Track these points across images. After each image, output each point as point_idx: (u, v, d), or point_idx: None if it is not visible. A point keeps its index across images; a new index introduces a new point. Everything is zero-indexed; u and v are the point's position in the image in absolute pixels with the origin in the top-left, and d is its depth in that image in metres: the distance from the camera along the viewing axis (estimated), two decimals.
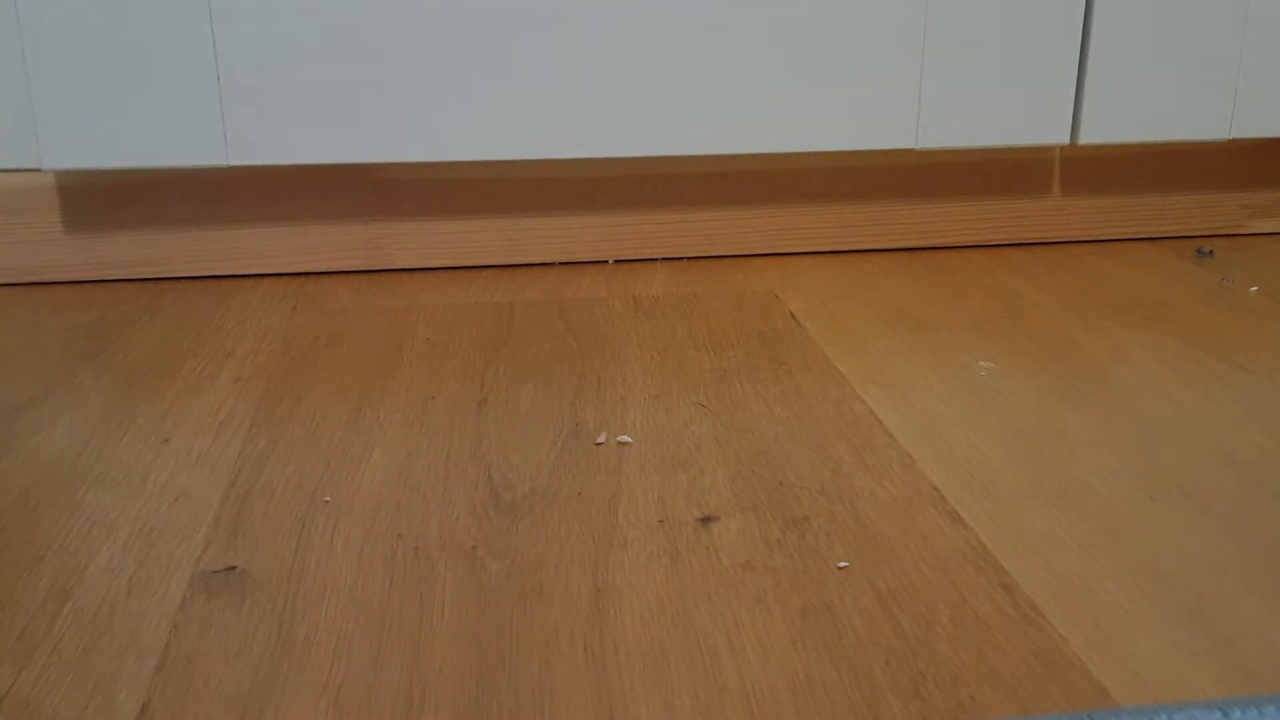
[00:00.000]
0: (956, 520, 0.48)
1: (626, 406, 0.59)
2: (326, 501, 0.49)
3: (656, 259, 0.84)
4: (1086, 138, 0.81)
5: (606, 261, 0.84)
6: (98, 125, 0.73)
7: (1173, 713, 0.35)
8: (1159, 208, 0.89)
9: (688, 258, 0.84)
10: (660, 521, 0.48)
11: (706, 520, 0.48)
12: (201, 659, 0.39)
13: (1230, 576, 0.43)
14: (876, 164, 0.84)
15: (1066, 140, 0.81)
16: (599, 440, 0.55)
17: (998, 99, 0.79)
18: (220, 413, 0.59)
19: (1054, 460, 0.53)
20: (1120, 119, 0.81)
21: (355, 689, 0.37)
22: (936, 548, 0.45)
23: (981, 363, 0.64)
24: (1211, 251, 0.86)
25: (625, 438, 0.55)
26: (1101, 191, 0.88)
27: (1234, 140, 0.87)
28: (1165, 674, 0.38)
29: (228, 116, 0.73)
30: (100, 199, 0.79)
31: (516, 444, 0.55)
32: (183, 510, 0.49)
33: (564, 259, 0.83)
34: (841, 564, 0.44)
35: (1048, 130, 0.80)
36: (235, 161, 0.74)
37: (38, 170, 0.75)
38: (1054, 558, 0.45)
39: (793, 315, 0.72)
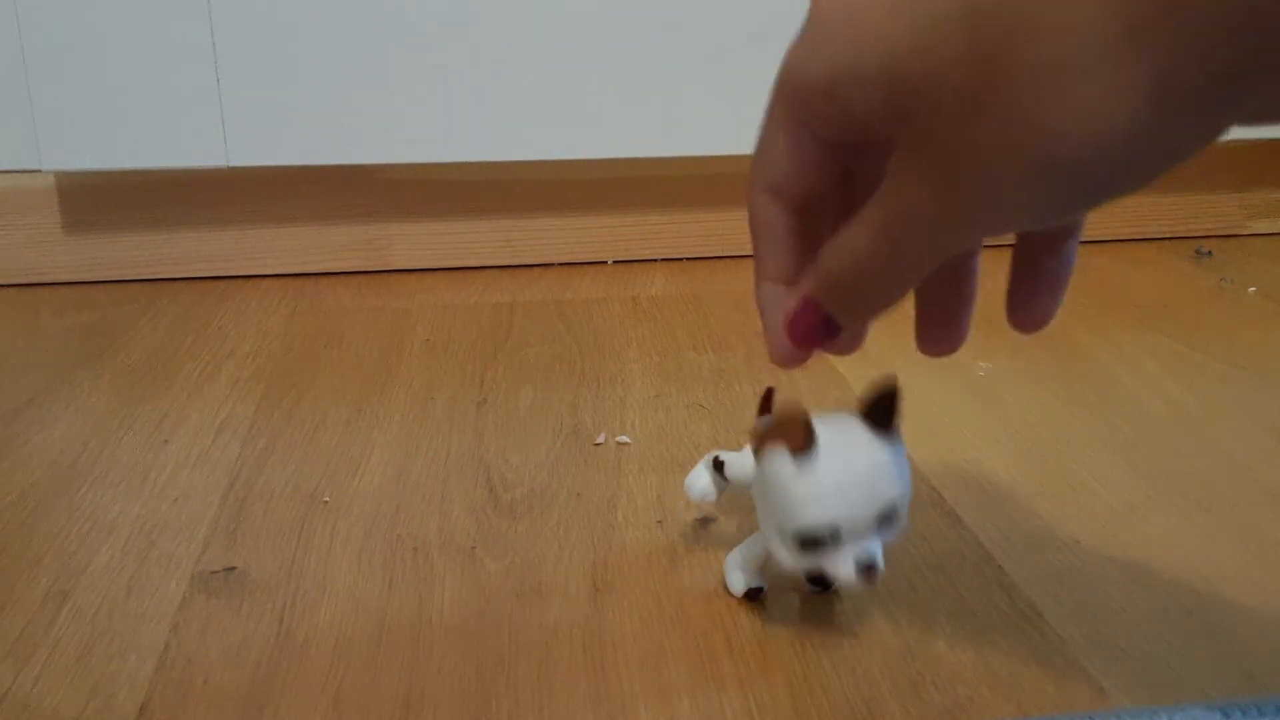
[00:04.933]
0: (955, 520, 0.48)
1: (626, 407, 0.59)
2: (326, 502, 0.49)
3: (656, 260, 0.84)
4: None
5: (606, 262, 0.84)
6: (97, 126, 0.73)
7: (1172, 713, 0.35)
8: (1158, 208, 0.89)
9: (687, 258, 0.85)
10: (659, 522, 0.48)
11: (705, 521, 0.48)
12: (201, 659, 0.39)
13: (1230, 576, 0.44)
14: None
15: None
16: (598, 441, 0.55)
17: None
18: (220, 413, 0.59)
19: (1053, 460, 0.53)
20: None
21: (354, 689, 0.37)
22: (935, 548, 0.45)
23: (980, 363, 0.64)
24: (1210, 252, 0.86)
25: (624, 438, 0.55)
26: None
27: (1233, 140, 0.87)
28: (1165, 674, 0.38)
29: (227, 117, 0.73)
30: (100, 199, 0.79)
31: (515, 444, 0.55)
32: (182, 510, 0.49)
33: (563, 259, 0.83)
34: None
35: None
36: (235, 162, 0.74)
37: (37, 171, 0.75)
38: (1053, 558, 0.45)
39: None
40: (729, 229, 0.84)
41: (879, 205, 0.32)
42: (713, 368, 0.64)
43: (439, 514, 0.48)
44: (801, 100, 0.33)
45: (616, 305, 0.75)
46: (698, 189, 0.83)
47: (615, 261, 0.84)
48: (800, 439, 0.36)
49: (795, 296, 0.36)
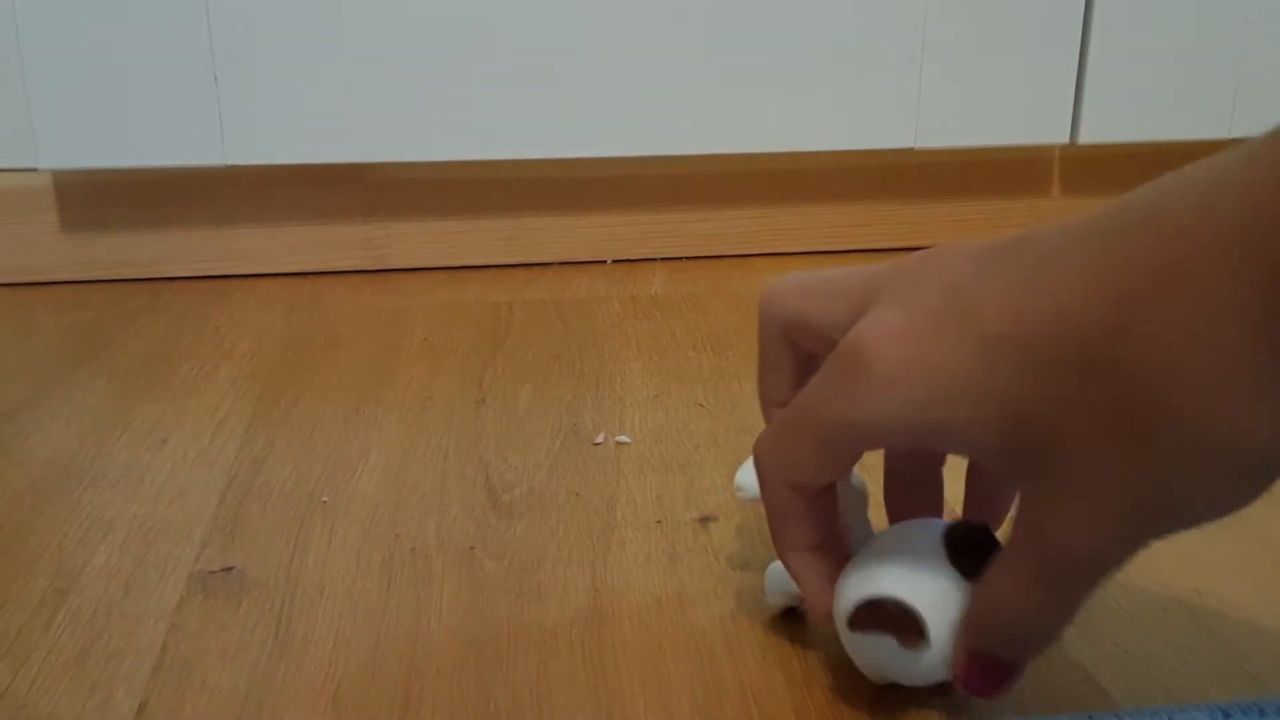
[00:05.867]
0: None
1: (625, 407, 0.59)
2: (324, 502, 0.49)
3: (655, 259, 0.84)
4: (1086, 137, 0.80)
5: (605, 261, 0.84)
6: (95, 125, 0.72)
7: (1173, 713, 0.35)
8: None
9: (687, 258, 0.84)
10: (658, 522, 0.47)
11: (705, 520, 0.48)
12: (199, 659, 0.39)
13: (1230, 576, 0.43)
14: (875, 164, 0.84)
15: (1066, 140, 0.81)
16: (597, 440, 0.55)
17: (997, 98, 0.79)
18: (218, 413, 0.58)
19: None
20: (1120, 118, 0.80)
21: (353, 689, 0.37)
22: None
23: None
24: None
25: (623, 438, 0.55)
26: (1101, 191, 0.88)
27: (1234, 139, 0.87)
28: (1165, 674, 0.38)
29: (225, 116, 0.73)
30: (97, 199, 0.79)
31: (514, 444, 0.55)
32: (180, 510, 0.49)
33: (563, 259, 0.83)
34: None
35: (1047, 129, 0.80)
36: (233, 161, 0.74)
37: (34, 170, 0.75)
38: None
39: None
40: (729, 229, 0.84)
41: (1026, 553, 0.31)
42: (712, 367, 0.64)
43: (438, 514, 0.48)
44: (867, 439, 0.32)
45: (616, 305, 0.75)
46: (698, 189, 0.83)
47: (615, 261, 0.84)
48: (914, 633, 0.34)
49: (961, 654, 0.34)
